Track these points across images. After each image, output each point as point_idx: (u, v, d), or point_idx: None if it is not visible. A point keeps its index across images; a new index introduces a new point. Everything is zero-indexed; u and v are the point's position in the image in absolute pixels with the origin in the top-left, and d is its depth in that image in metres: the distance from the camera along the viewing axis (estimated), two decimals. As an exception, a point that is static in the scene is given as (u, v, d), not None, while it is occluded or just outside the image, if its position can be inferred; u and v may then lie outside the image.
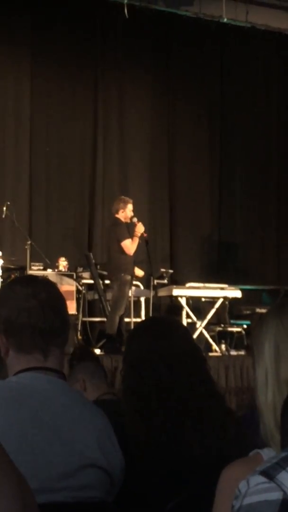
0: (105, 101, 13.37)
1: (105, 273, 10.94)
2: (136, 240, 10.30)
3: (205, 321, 11.22)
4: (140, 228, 10.33)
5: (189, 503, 2.45)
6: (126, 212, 10.46)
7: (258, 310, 11.78)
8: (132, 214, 10.49)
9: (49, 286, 2.50)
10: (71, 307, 10.40)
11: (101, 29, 13.11)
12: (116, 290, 10.32)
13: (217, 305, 11.36)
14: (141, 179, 13.50)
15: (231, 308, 11.91)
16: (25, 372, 2.38)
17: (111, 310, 10.50)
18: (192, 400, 2.64)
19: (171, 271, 12.43)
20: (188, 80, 13.76)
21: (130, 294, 10.60)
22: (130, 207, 10.51)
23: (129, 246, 10.23)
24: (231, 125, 14.17)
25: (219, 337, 11.57)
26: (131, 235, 10.33)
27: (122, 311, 10.47)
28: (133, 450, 2.55)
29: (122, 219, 10.47)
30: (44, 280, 2.58)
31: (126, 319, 10.65)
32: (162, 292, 11.50)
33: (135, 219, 10.47)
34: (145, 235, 10.38)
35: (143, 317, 10.94)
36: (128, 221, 10.48)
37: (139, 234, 10.31)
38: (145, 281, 11.16)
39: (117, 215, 10.50)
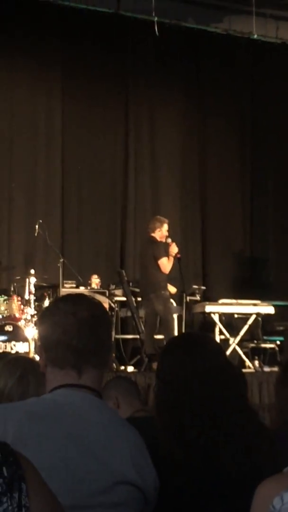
0: (136, 119, 13.42)
1: (137, 290, 10.94)
2: (171, 259, 10.34)
3: (238, 338, 11.17)
4: (174, 249, 10.39)
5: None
6: (162, 231, 10.49)
7: (291, 326, 11.72)
8: (167, 234, 10.52)
9: (94, 306, 2.49)
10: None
11: (132, 47, 13.18)
12: (162, 309, 10.30)
13: (250, 321, 11.31)
14: (172, 196, 13.51)
15: (264, 324, 11.85)
16: (60, 389, 2.40)
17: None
18: (225, 416, 2.63)
19: (203, 287, 12.41)
20: (219, 97, 13.78)
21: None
22: (166, 226, 10.55)
23: (166, 264, 10.29)
24: (263, 141, 14.15)
25: (252, 354, 11.53)
26: (166, 254, 10.37)
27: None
28: (167, 467, 2.55)
29: (158, 238, 10.49)
30: (92, 300, 2.55)
31: (159, 336, 10.63)
32: (195, 309, 11.48)
33: (169, 240, 10.52)
34: (178, 255, 10.41)
35: (176, 334, 10.91)
36: (163, 240, 10.51)
37: (173, 254, 10.35)
38: (178, 298, 11.14)
39: (153, 234, 10.53)
